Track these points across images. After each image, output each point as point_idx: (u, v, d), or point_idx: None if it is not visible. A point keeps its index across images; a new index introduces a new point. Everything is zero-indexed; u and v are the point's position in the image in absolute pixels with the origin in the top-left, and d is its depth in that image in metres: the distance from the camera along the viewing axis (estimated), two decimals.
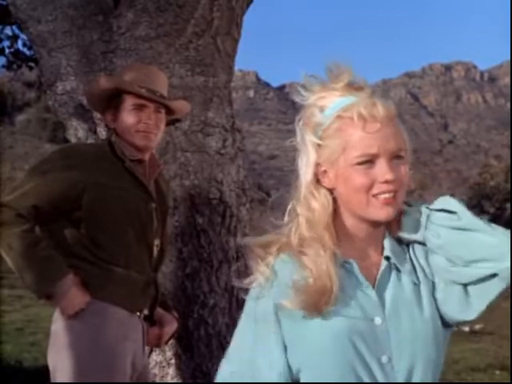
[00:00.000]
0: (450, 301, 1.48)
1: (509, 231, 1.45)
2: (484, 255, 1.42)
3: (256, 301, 1.49)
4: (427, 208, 1.50)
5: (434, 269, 1.50)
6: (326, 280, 1.41)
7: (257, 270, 1.49)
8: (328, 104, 1.48)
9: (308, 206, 1.48)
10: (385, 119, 1.44)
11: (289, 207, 1.53)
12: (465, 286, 1.47)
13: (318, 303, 1.40)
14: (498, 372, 8.47)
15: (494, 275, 1.42)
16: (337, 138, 1.45)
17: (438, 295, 1.50)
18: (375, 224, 1.49)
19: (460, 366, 8.73)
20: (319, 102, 1.49)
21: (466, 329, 11.98)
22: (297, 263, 1.47)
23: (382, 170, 1.43)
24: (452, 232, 1.45)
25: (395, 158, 1.45)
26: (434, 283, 1.51)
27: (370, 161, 1.43)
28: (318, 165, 1.49)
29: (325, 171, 1.49)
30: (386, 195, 1.44)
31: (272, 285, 1.47)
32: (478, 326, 12.41)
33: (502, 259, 1.40)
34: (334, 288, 1.41)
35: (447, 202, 1.49)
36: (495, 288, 1.44)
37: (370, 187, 1.43)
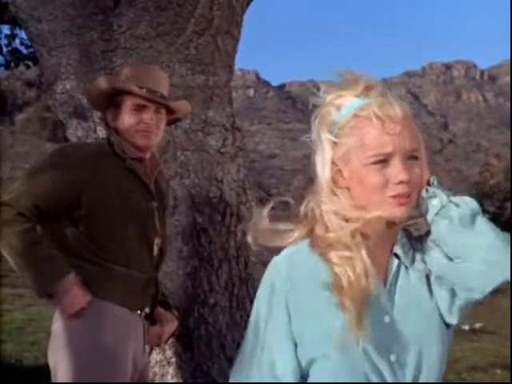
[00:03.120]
0: (440, 301, 1.49)
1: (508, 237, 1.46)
2: (481, 261, 1.42)
3: (269, 294, 1.50)
4: (446, 196, 1.49)
5: (428, 261, 1.50)
6: (363, 279, 1.42)
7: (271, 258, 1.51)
8: (345, 103, 1.48)
9: (333, 204, 1.48)
10: (401, 120, 1.44)
11: (305, 204, 1.52)
12: (451, 289, 1.47)
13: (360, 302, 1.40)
14: (498, 371, 8.48)
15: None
16: (352, 136, 1.45)
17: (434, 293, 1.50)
18: (389, 224, 1.48)
19: (460, 366, 8.73)
20: (336, 101, 1.50)
21: (467, 328, 11.97)
22: (320, 258, 1.47)
23: (395, 170, 1.42)
24: (459, 228, 1.44)
25: (410, 158, 1.45)
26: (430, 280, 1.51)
27: (384, 160, 1.43)
28: (332, 163, 1.49)
29: (339, 170, 1.49)
30: (401, 197, 1.43)
31: (287, 277, 1.47)
32: (478, 325, 12.41)
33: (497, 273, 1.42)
34: (372, 286, 1.42)
35: (467, 200, 1.48)
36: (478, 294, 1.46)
37: (384, 187, 1.43)
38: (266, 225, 1.53)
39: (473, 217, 1.45)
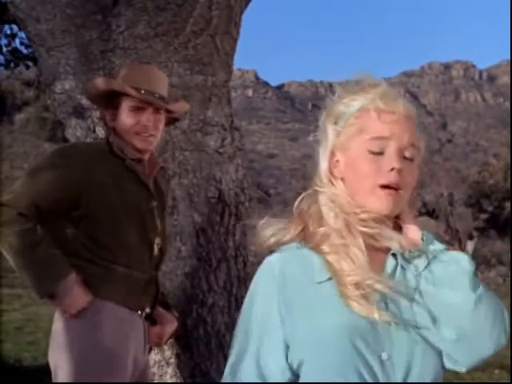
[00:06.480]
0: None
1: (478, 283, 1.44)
2: (446, 318, 1.42)
3: (261, 294, 1.50)
4: (436, 249, 1.50)
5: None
6: (361, 267, 1.43)
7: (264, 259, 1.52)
8: (355, 104, 1.53)
9: (331, 192, 1.52)
10: (403, 114, 1.50)
11: (300, 201, 1.55)
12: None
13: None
14: (496, 371, 8.47)
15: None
16: (354, 124, 1.51)
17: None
18: (380, 221, 1.49)
19: None
20: (347, 100, 1.55)
21: None
22: (313, 253, 1.49)
23: (390, 157, 1.46)
24: (428, 286, 1.46)
25: (405, 158, 1.48)
26: None
27: (380, 153, 1.47)
28: (332, 154, 1.54)
29: (337, 161, 1.53)
30: (390, 189, 1.46)
31: (280, 276, 1.48)
32: None
33: (467, 323, 1.41)
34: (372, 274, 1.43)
35: (459, 258, 1.48)
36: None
37: (376, 174, 1.46)
38: (267, 229, 1.55)
39: (461, 277, 1.44)
